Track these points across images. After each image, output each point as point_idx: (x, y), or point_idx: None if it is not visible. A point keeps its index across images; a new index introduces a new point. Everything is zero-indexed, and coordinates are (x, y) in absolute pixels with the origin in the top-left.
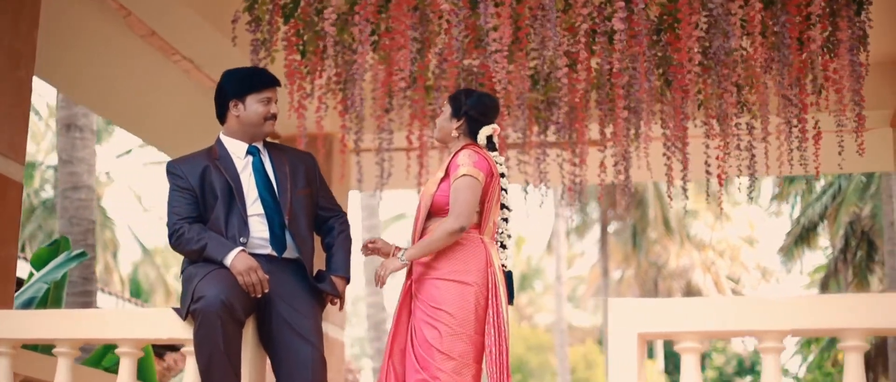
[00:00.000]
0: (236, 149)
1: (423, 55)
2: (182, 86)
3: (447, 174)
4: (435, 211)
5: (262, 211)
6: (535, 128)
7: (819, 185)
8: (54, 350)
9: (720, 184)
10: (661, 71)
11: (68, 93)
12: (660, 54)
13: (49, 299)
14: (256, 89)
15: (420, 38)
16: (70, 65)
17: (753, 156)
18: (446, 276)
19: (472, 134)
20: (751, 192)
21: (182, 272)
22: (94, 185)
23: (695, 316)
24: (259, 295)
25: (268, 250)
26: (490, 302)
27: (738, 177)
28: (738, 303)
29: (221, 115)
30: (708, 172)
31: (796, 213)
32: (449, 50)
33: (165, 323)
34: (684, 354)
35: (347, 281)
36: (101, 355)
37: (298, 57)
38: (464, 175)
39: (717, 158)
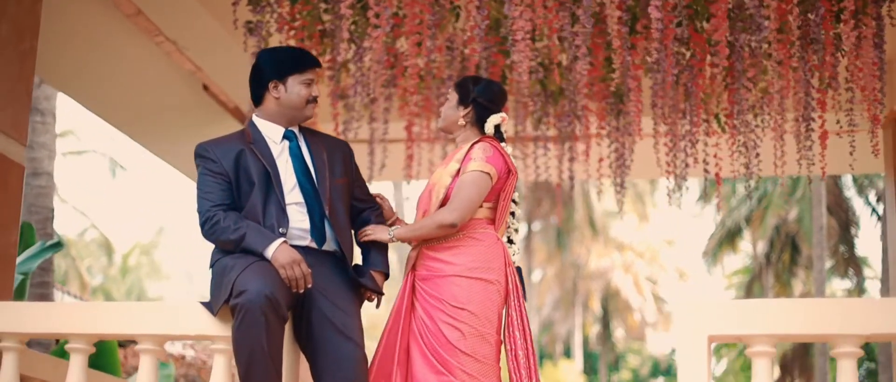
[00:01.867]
0: (272, 133)
1: (432, 43)
2: (162, 71)
3: (461, 167)
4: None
5: (300, 199)
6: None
7: (744, 188)
8: (67, 346)
9: (718, 184)
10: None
11: (42, 74)
12: (680, 49)
13: (23, 291)
14: (299, 70)
15: (432, 25)
16: (45, 44)
17: (758, 154)
18: (468, 274)
19: (480, 122)
20: (673, 193)
21: (212, 263)
22: (53, 172)
23: (767, 319)
24: (301, 290)
25: (307, 241)
26: (511, 302)
27: (743, 176)
28: (812, 306)
29: (258, 97)
30: (706, 171)
31: (720, 216)
32: (469, 38)
33: (192, 318)
34: (756, 358)
35: (386, 276)
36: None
37: (302, 41)
38: (474, 170)
39: (714, 156)
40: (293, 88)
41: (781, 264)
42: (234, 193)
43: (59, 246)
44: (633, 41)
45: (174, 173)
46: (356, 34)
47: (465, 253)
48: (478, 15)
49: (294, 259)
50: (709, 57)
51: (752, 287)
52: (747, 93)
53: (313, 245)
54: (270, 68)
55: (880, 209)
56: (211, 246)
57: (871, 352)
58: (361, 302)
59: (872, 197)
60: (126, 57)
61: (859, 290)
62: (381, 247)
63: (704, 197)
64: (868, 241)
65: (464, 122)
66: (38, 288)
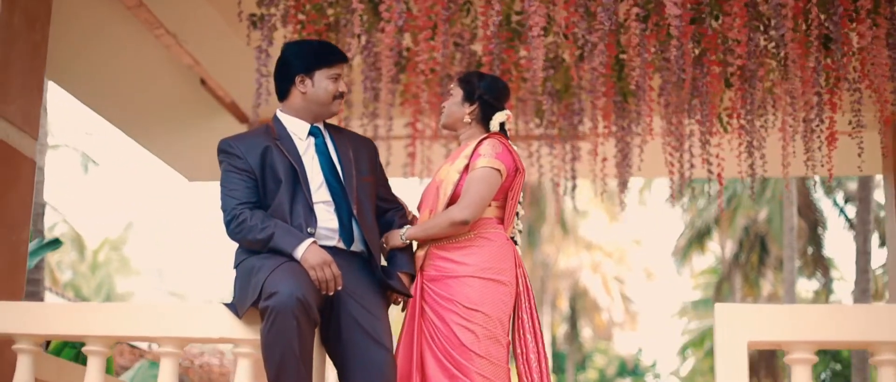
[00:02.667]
0: (297, 129)
1: (445, 38)
2: (159, 65)
3: (468, 164)
4: (455, 203)
5: (328, 198)
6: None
7: (715, 189)
8: (85, 349)
9: (720, 184)
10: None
11: None
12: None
13: None
14: (327, 64)
15: (444, 19)
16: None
17: (763, 155)
18: (480, 275)
19: (485, 120)
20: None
21: (237, 263)
22: (43, 167)
23: (807, 325)
24: (332, 293)
25: (334, 241)
26: (523, 305)
27: (748, 176)
28: (853, 313)
29: (284, 91)
30: (709, 171)
31: (689, 216)
32: (482, 36)
33: (215, 321)
34: (795, 366)
35: (412, 277)
36: (57, 349)
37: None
38: (483, 166)
39: (716, 156)
40: (320, 83)
41: (750, 265)
42: (259, 191)
43: (57, 243)
44: (646, 38)
45: (145, 168)
46: (364, 29)
47: (477, 253)
48: (492, 11)
49: (325, 260)
50: (720, 55)
51: (721, 287)
52: (758, 93)
53: (341, 245)
54: (297, 62)
55: (849, 211)
56: (232, 245)
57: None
58: (389, 305)
59: (840, 199)
60: (123, 49)
61: (827, 291)
62: (406, 248)
63: (677, 195)
64: (835, 243)
65: (469, 120)
66: (30, 285)
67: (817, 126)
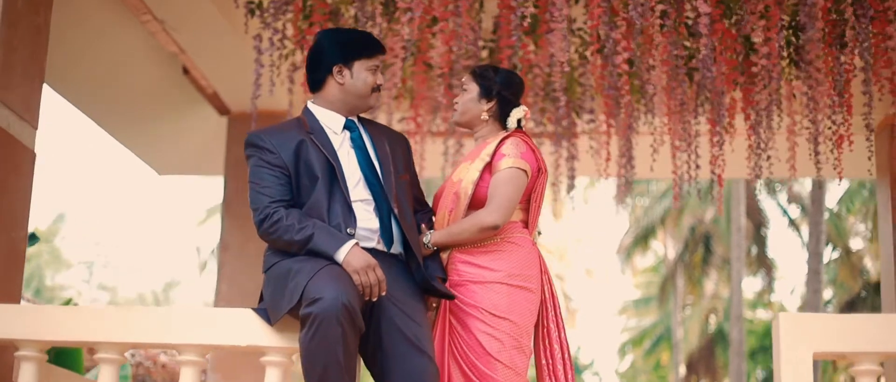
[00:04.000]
0: (331, 122)
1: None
2: (142, 52)
3: (490, 163)
4: (476, 204)
5: (367, 195)
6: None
7: (660, 188)
8: (97, 356)
9: (720, 186)
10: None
11: None
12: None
13: None
14: (367, 55)
15: (461, 12)
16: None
17: (769, 157)
18: (508, 281)
19: (503, 116)
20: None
21: (268, 266)
22: None
23: (872, 335)
24: (375, 298)
25: (374, 243)
26: (548, 313)
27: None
28: None
29: (318, 81)
30: (713, 172)
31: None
32: (500, 30)
33: (243, 327)
34: (861, 378)
35: (444, 281)
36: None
37: (305, 25)
38: (509, 167)
39: (715, 158)
40: (359, 74)
41: (693, 264)
42: (292, 188)
43: (34, 238)
44: (664, 36)
45: (77, 158)
46: (369, 19)
47: (505, 258)
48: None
49: (369, 263)
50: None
51: (665, 286)
52: (767, 94)
53: (381, 246)
54: (335, 51)
55: (792, 212)
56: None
57: None
58: (427, 311)
59: (783, 200)
60: (105, 34)
61: (769, 290)
62: (434, 252)
63: (624, 194)
64: (777, 243)
65: (487, 117)
66: None
67: (829, 128)
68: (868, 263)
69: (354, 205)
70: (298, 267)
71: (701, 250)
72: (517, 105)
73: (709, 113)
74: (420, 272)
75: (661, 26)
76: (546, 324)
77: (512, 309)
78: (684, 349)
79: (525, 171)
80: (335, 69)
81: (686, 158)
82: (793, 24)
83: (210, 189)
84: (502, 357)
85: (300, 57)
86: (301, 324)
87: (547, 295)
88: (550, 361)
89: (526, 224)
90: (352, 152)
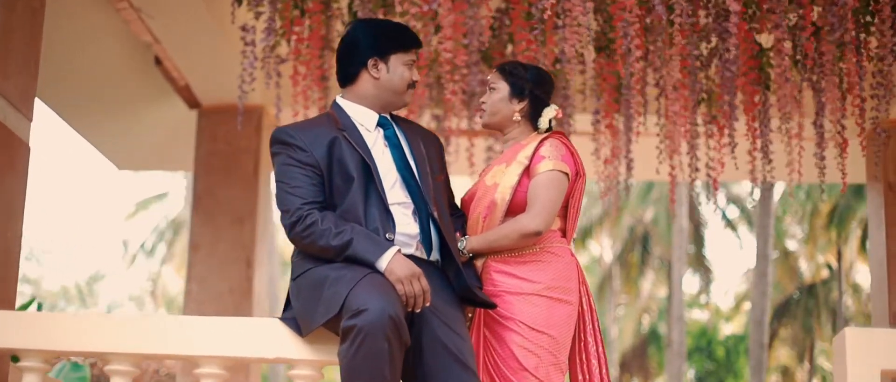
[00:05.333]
0: (364, 119)
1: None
2: (113, 40)
3: (528, 167)
4: (514, 210)
5: (405, 198)
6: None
7: (599, 188)
8: (107, 368)
9: (715, 189)
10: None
11: None
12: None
13: None
14: (404, 48)
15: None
16: None
17: (771, 160)
18: (547, 293)
19: (534, 117)
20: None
21: (299, 272)
22: None
23: None
24: (418, 310)
25: (412, 249)
26: (586, 327)
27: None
28: None
29: (351, 75)
30: (708, 175)
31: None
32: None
33: (270, 338)
34: None
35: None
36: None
37: (296, 14)
38: (550, 169)
39: (712, 160)
40: (396, 69)
41: (630, 264)
42: (325, 189)
43: None
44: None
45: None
46: (372, 11)
47: (544, 269)
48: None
49: (413, 272)
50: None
51: (603, 287)
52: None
53: (420, 253)
54: (371, 43)
55: (729, 212)
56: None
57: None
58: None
59: (721, 201)
60: (76, 20)
61: (706, 291)
62: (469, 259)
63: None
64: (712, 245)
65: (519, 118)
66: None
67: (828, 132)
68: (803, 265)
69: (392, 208)
70: (336, 275)
71: (639, 250)
72: (548, 104)
73: (703, 114)
74: (460, 280)
75: (672, 24)
76: (584, 338)
77: (551, 323)
78: (618, 348)
79: (566, 175)
80: (370, 62)
81: (687, 161)
82: (803, 25)
83: (139, 183)
84: (539, 374)
85: (286, 49)
86: (342, 337)
87: (585, 308)
88: (588, 376)
89: (563, 232)
90: (387, 151)
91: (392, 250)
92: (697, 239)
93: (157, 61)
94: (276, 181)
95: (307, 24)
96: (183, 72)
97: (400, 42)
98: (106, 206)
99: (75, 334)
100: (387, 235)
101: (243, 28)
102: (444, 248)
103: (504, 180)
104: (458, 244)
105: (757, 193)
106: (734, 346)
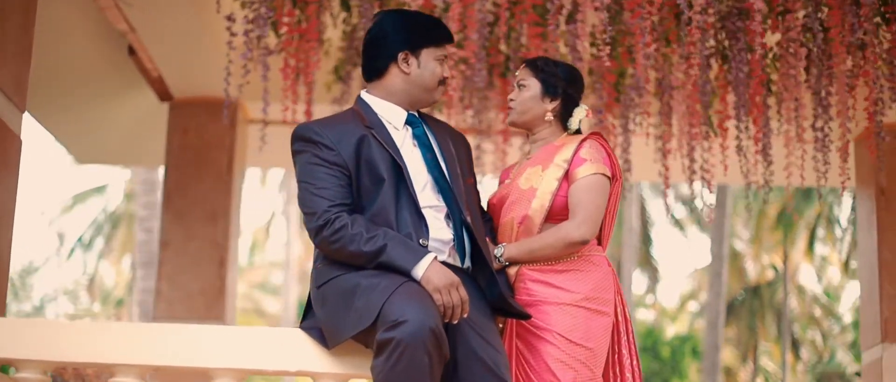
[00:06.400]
0: (392, 116)
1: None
2: (87, 28)
3: (568, 170)
4: (552, 216)
5: (437, 201)
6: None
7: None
8: (112, 381)
9: (710, 190)
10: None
11: None
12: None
13: None
14: (436, 42)
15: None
16: None
17: (770, 163)
18: (586, 304)
19: (564, 117)
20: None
21: (325, 279)
22: None
23: None
24: (455, 321)
25: (445, 256)
26: (621, 338)
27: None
28: None
29: (378, 70)
30: (704, 178)
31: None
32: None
33: (291, 349)
34: None
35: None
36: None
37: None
38: (593, 173)
39: (706, 163)
40: (427, 64)
41: None
42: (353, 191)
43: None
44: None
45: None
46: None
47: (583, 279)
48: None
49: (451, 281)
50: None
51: None
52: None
53: (454, 260)
54: (401, 36)
55: (678, 212)
56: None
57: None
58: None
59: (671, 201)
60: (49, 5)
61: (652, 291)
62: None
63: None
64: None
65: (552, 117)
66: None
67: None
68: (749, 265)
69: (425, 212)
70: (369, 283)
71: None
72: (578, 104)
73: (699, 115)
74: (493, 289)
75: (689, 23)
76: (618, 350)
77: (589, 336)
78: None
79: (609, 178)
80: (400, 56)
81: (688, 162)
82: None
83: (78, 176)
84: None
85: (274, 40)
86: (377, 350)
87: (620, 319)
88: None
89: (599, 240)
90: (416, 151)
91: (429, 257)
92: (645, 238)
93: (131, 51)
94: (300, 181)
95: (296, 16)
96: (157, 63)
97: (432, 36)
98: (41, 198)
99: (78, 343)
100: (420, 241)
101: (229, 17)
102: (476, 255)
103: (542, 184)
104: (495, 251)
105: (709, 196)
106: (679, 346)
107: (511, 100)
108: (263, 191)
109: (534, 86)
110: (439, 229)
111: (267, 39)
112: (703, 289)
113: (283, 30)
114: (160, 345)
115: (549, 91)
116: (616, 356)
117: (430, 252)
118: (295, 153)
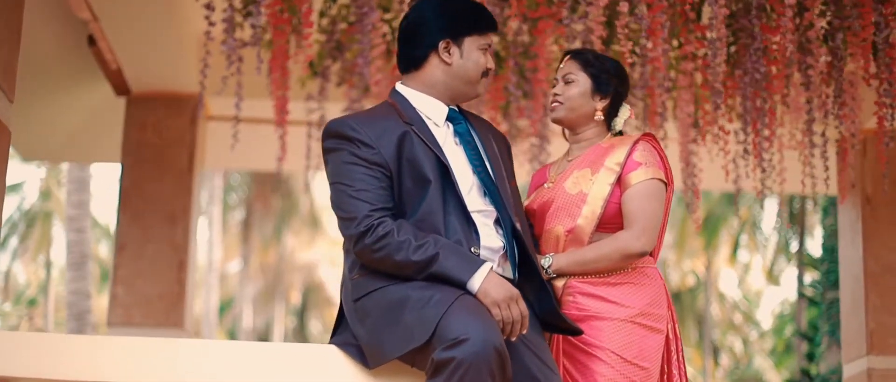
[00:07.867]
0: (432, 112)
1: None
2: (45, 15)
3: (621, 174)
4: (604, 224)
5: (485, 205)
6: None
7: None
8: None
9: (697, 198)
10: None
11: None
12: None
13: None
14: (480, 31)
15: None
16: None
17: (765, 169)
18: (641, 320)
19: (611, 116)
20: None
21: (366, 291)
22: None
23: None
24: (514, 338)
25: (495, 265)
26: (671, 356)
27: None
28: None
29: (417, 59)
30: (693, 183)
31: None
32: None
33: (327, 368)
34: None
35: None
36: None
37: None
38: (650, 178)
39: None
40: (470, 54)
41: None
42: (394, 193)
43: None
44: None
45: None
46: None
47: (638, 293)
48: None
49: (511, 294)
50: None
51: None
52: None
53: (505, 271)
54: (443, 24)
55: None
56: None
57: None
58: None
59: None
60: None
61: None
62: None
63: None
64: None
65: (602, 117)
66: None
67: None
68: (671, 271)
69: (473, 217)
70: (421, 296)
71: None
72: (623, 103)
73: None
74: (544, 302)
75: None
76: (668, 370)
77: (643, 354)
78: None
79: (665, 184)
80: (441, 45)
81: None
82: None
83: None
84: None
85: (249, 32)
86: (433, 370)
87: (671, 336)
88: None
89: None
90: (459, 150)
91: (485, 267)
92: None
93: (91, 41)
94: (334, 182)
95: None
96: (117, 55)
97: (476, 23)
98: None
99: (83, 359)
100: (471, 249)
101: (207, 6)
102: (524, 265)
103: (594, 189)
104: (542, 262)
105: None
106: None
107: (557, 95)
108: None
109: (583, 81)
110: (489, 236)
111: (243, 33)
112: None
113: (262, 20)
114: (177, 361)
115: (600, 88)
116: (666, 375)
117: (486, 261)
118: (327, 150)
